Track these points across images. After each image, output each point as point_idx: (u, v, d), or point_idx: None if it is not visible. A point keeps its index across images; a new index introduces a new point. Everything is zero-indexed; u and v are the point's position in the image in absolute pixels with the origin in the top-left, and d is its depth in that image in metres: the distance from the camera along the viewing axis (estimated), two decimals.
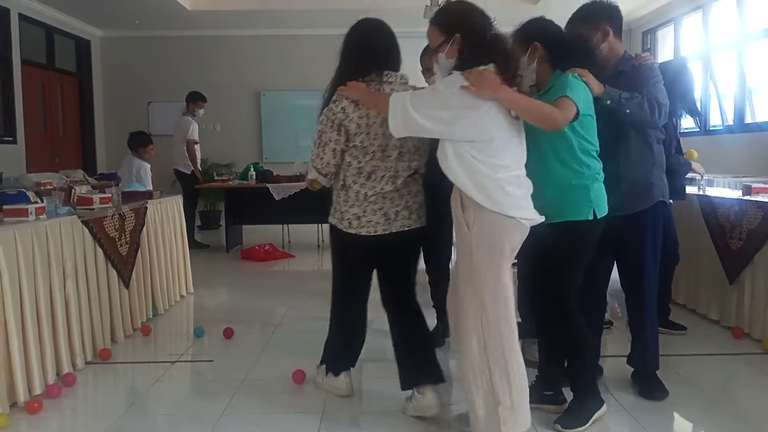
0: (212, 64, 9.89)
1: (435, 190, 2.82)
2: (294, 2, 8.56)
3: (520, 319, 2.68)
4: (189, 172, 7.55)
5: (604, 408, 2.69)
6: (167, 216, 4.84)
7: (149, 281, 4.40)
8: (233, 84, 9.92)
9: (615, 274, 3.07)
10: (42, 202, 3.57)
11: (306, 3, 8.50)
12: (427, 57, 3.31)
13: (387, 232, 2.67)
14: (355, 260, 2.80)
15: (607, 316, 3.78)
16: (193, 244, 6.96)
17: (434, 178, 2.67)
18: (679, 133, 4.21)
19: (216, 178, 8.02)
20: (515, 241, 2.36)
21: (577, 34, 2.70)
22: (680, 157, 3.95)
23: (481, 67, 2.31)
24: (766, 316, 3.69)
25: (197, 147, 7.63)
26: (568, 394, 2.71)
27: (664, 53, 9.19)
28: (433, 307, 3.72)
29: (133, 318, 4.06)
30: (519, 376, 2.37)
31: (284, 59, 9.77)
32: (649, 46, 9.52)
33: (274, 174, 7.39)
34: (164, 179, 7.76)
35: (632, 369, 3.09)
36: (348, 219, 2.68)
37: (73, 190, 4.39)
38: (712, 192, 4.56)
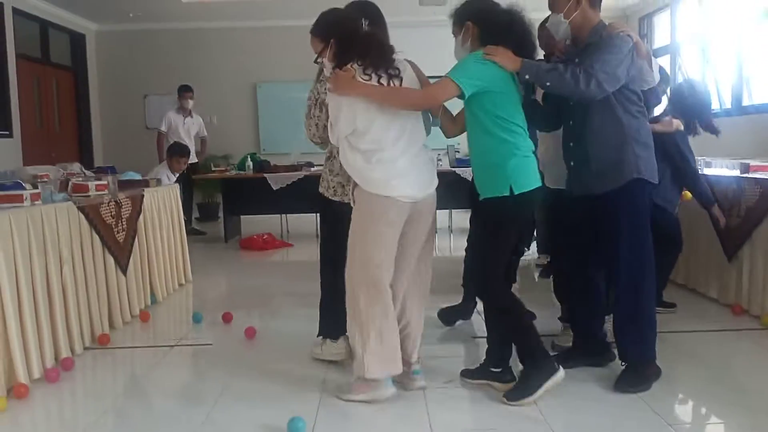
0: (208, 56, 9.87)
1: None
2: None
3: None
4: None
5: (557, 376, 2.63)
6: (164, 204, 4.82)
7: (147, 269, 4.39)
8: (229, 76, 9.90)
9: None
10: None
11: None
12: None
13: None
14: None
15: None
16: (191, 231, 6.97)
17: None
18: None
19: (213, 169, 8.01)
20: (391, 216, 2.58)
21: (510, 14, 2.65)
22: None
23: (345, 68, 2.55)
24: (765, 292, 3.69)
25: (199, 140, 7.94)
26: None
27: (660, 38, 9.18)
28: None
29: (131, 305, 4.05)
30: (384, 332, 2.60)
31: (279, 50, 9.71)
32: (645, 32, 9.50)
33: (272, 164, 7.38)
34: None
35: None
36: (333, 187, 2.98)
37: (69, 181, 4.36)
38: (710, 172, 4.55)
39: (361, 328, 2.62)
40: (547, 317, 3.55)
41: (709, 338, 3.54)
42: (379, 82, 2.58)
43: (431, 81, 2.77)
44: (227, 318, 3.98)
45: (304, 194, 6.09)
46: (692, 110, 3.83)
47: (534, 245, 5.52)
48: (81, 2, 8.57)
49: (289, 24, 9.60)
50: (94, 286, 3.60)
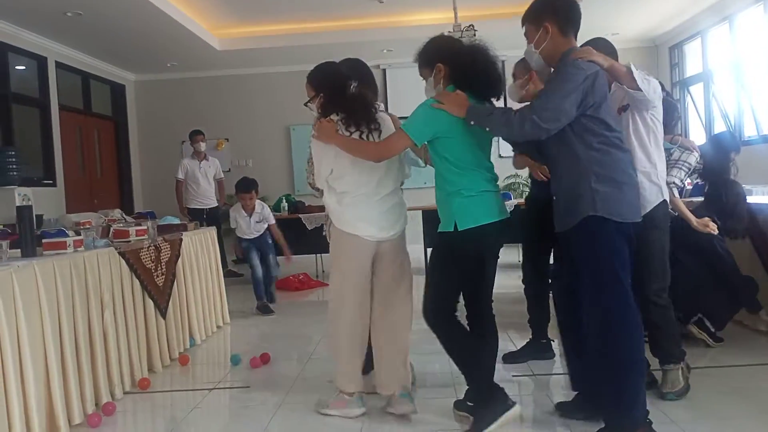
0: (242, 101, 10.12)
1: None
2: (316, 38, 8.71)
3: None
4: (203, 208, 7.78)
5: (510, 413, 2.66)
6: (202, 248, 4.90)
7: (186, 311, 4.44)
8: (264, 119, 10.12)
9: None
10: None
11: (327, 38, 8.66)
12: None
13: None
14: None
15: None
16: (227, 273, 7.01)
17: None
18: None
19: None
20: (359, 251, 2.94)
21: (473, 49, 2.74)
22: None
23: (329, 118, 2.90)
24: None
25: (219, 183, 8.04)
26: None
27: (692, 67, 9.10)
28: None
29: (170, 348, 4.10)
30: (352, 354, 3.02)
31: None
32: (677, 61, 9.45)
33: (306, 205, 7.45)
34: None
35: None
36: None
37: (111, 227, 4.46)
38: (752, 200, 4.43)
39: (335, 345, 3.06)
40: None
41: (757, 372, 3.41)
42: (360, 136, 2.90)
43: None
44: (265, 359, 3.98)
45: None
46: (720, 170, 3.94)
47: None
48: (121, 54, 8.91)
49: None
50: (135, 330, 3.66)
